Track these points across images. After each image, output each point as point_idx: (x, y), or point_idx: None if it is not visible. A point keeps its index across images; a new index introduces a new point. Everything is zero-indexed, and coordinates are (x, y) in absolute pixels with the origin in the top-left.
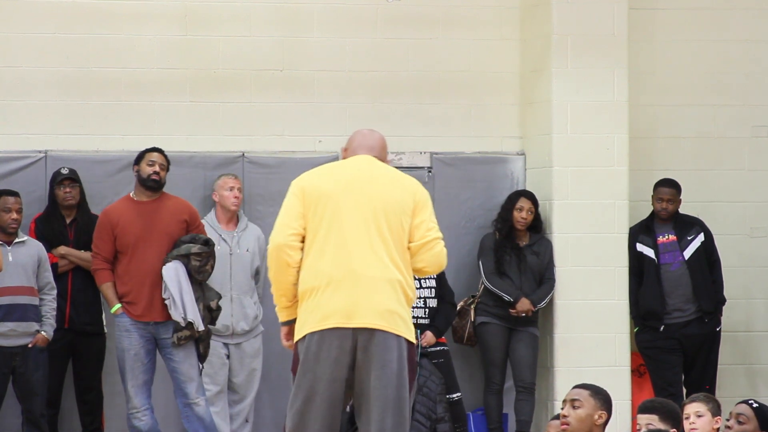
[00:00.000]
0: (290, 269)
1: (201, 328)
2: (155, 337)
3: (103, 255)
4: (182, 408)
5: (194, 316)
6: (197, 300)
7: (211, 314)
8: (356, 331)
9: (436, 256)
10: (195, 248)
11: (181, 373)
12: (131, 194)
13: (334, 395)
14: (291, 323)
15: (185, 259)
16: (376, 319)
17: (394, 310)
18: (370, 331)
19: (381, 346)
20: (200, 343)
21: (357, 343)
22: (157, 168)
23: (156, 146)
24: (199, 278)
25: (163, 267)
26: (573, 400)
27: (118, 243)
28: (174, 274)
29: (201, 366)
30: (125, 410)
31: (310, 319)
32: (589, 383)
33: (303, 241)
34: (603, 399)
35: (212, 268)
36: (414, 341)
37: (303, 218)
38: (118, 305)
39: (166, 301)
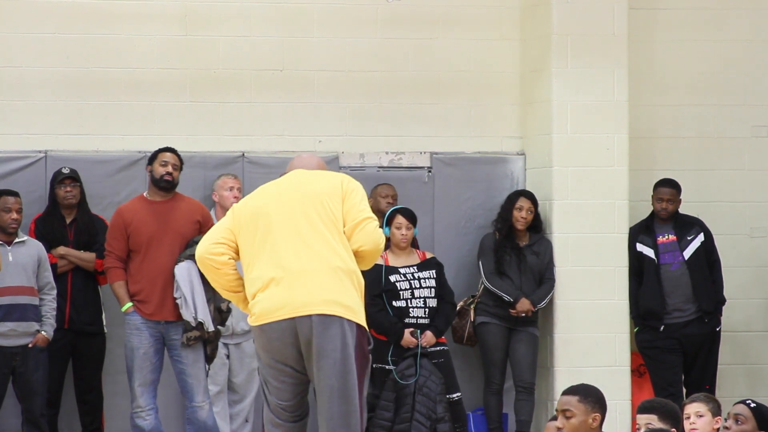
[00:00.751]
0: (221, 270)
1: (211, 329)
2: (164, 337)
3: (116, 253)
4: (187, 410)
5: (205, 316)
6: (208, 301)
7: (221, 316)
8: (296, 322)
9: (369, 234)
10: None
11: (189, 376)
12: (145, 194)
13: (289, 383)
14: None
15: None
16: (313, 307)
17: (333, 299)
18: (309, 320)
19: (322, 336)
20: (208, 345)
21: (299, 335)
22: (170, 168)
23: (169, 146)
24: None
25: (176, 266)
26: (564, 411)
27: (131, 242)
28: (186, 273)
29: (207, 367)
30: (125, 410)
31: (253, 317)
32: (577, 386)
33: (235, 252)
34: (593, 400)
35: None
36: (364, 325)
37: (230, 233)
38: (129, 304)
39: (178, 301)
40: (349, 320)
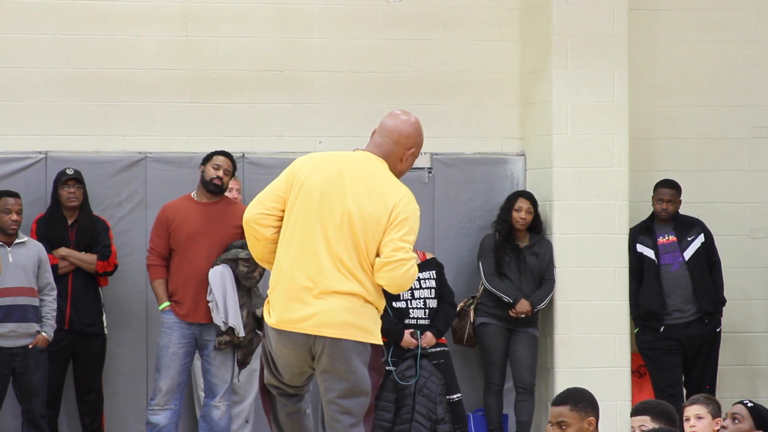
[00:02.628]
0: (260, 243)
1: (242, 334)
2: (197, 338)
3: (158, 251)
4: (204, 407)
5: (236, 321)
6: (242, 306)
7: (257, 322)
8: (311, 339)
9: (396, 278)
10: (243, 254)
11: (214, 375)
12: (192, 194)
13: (296, 375)
14: None
15: (233, 263)
16: (330, 329)
17: (350, 322)
18: (323, 341)
19: (334, 358)
20: (239, 350)
21: (312, 349)
22: (221, 173)
23: (225, 150)
24: (246, 284)
25: (210, 270)
26: (559, 422)
27: (171, 240)
28: (219, 277)
29: (238, 371)
30: (125, 411)
31: (271, 315)
32: (566, 393)
33: (279, 219)
34: (585, 405)
35: (261, 275)
36: (379, 343)
37: (281, 202)
38: (166, 303)
39: (210, 305)
40: (364, 343)
